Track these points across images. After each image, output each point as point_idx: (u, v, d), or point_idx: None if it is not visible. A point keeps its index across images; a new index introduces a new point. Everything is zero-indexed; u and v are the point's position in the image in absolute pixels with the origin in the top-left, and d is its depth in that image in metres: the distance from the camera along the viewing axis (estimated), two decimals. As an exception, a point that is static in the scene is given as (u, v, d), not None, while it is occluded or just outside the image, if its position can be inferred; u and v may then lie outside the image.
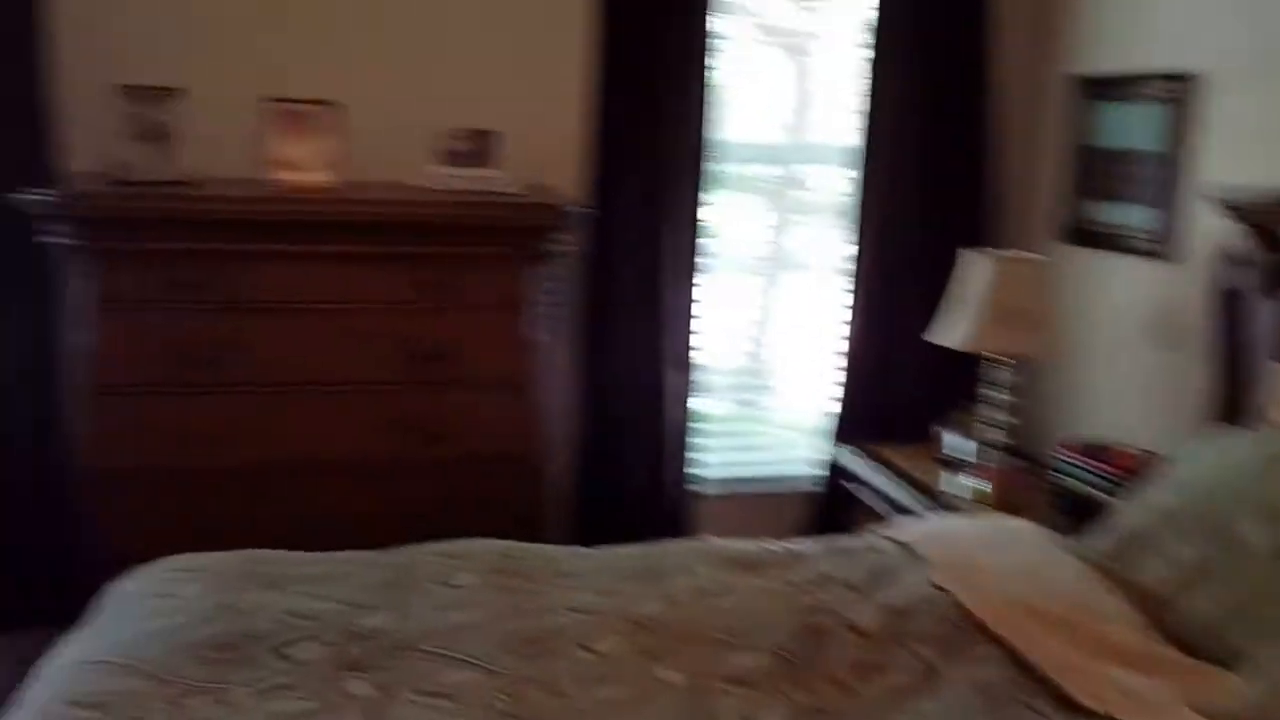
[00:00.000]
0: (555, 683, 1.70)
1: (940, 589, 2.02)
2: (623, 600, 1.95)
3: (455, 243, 2.60)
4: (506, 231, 2.63)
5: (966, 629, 1.91)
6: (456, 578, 1.98)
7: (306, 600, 1.85)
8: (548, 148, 2.90)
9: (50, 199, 2.36)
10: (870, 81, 3.07)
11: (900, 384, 3.17)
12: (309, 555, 2.04)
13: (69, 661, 1.70)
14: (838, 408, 3.22)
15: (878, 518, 2.86)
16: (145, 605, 1.83)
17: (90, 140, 2.60)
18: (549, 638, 1.81)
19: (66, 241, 2.41)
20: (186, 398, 2.50)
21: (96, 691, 1.58)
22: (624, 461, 3.04)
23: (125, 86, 2.51)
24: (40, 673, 1.70)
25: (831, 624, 1.92)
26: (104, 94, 2.51)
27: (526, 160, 2.80)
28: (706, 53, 2.93)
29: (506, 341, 2.66)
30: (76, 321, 2.46)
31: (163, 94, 2.54)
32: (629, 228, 2.96)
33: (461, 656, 1.74)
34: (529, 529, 2.49)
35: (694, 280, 3.05)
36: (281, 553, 2.03)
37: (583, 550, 2.19)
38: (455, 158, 2.73)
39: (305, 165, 2.67)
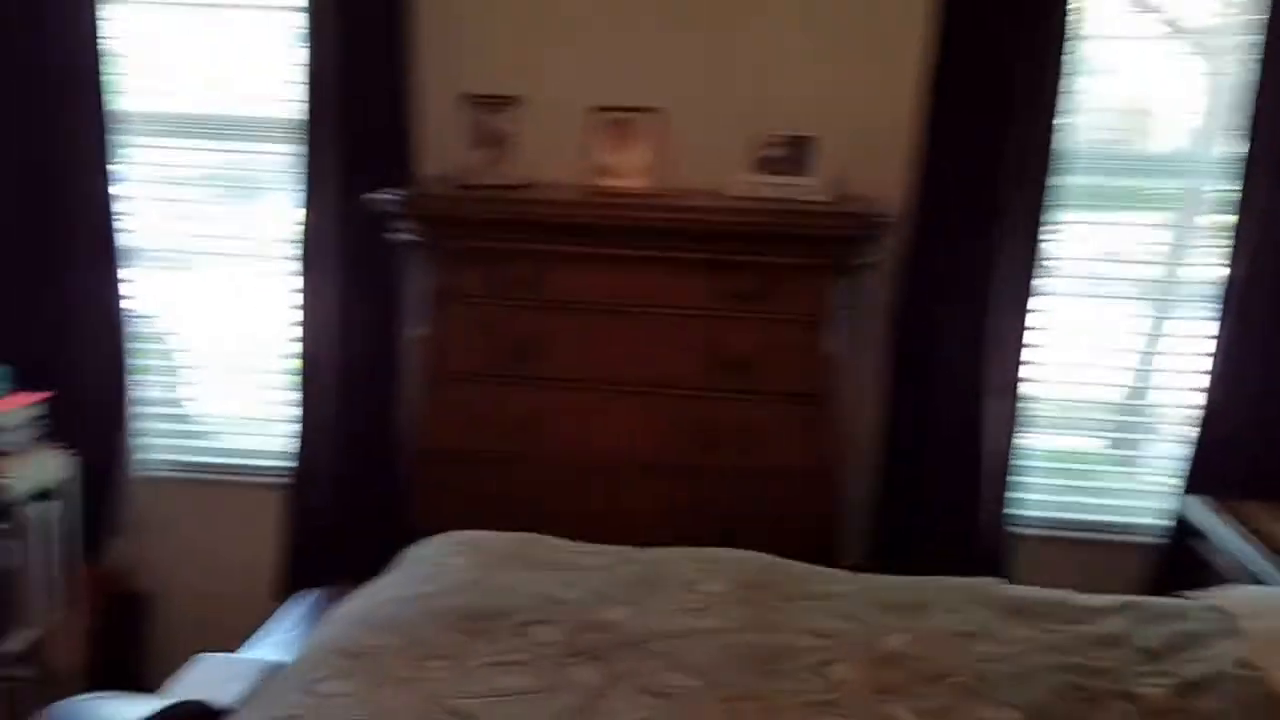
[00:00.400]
0: (776, 703, 1.69)
1: (1254, 667, 1.78)
2: (871, 630, 1.89)
3: (762, 251, 2.62)
4: (814, 241, 2.62)
5: (1275, 716, 1.67)
6: (704, 584, 2.02)
7: (557, 586, 1.97)
8: (870, 154, 2.85)
9: (396, 199, 2.67)
10: (1260, 78, 2.74)
11: (1275, 431, 2.80)
12: (573, 544, 2.16)
13: (346, 614, 1.92)
14: (1193, 453, 2.90)
15: (1228, 581, 2.55)
16: (418, 572, 2.03)
17: (442, 145, 2.90)
18: (782, 657, 1.80)
19: (410, 239, 2.72)
20: (505, 388, 2.71)
21: (356, 643, 1.78)
22: (933, 492, 2.90)
23: (469, 95, 2.79)
24: (323, 622, 1.94)
25: (1106, 688, 1.75)
26: (454, 102, 2.81)
27: (846, 167, 2.77)
28: (1064, 50, 2.75)
29: (808, 354, 2.65)
30: (415, 313, 2.77)
31: (501, 102, 2.79)
32: (955, 242, 2.83)
33: (688, 661, 1.77)
34: (819, 549, 2.46)
35: (1029, 303, 2.87)
36: (549, 539, 2.17)
37: (845, 574, 2.14)
38: (770, 164, 2.76)
39: (626, 171, 2.81)
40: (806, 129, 2.75)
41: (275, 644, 2.17)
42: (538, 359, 2.69)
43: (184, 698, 1.81)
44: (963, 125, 2.80)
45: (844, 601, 2.00)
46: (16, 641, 2.70)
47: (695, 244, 2.64)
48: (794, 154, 2.77)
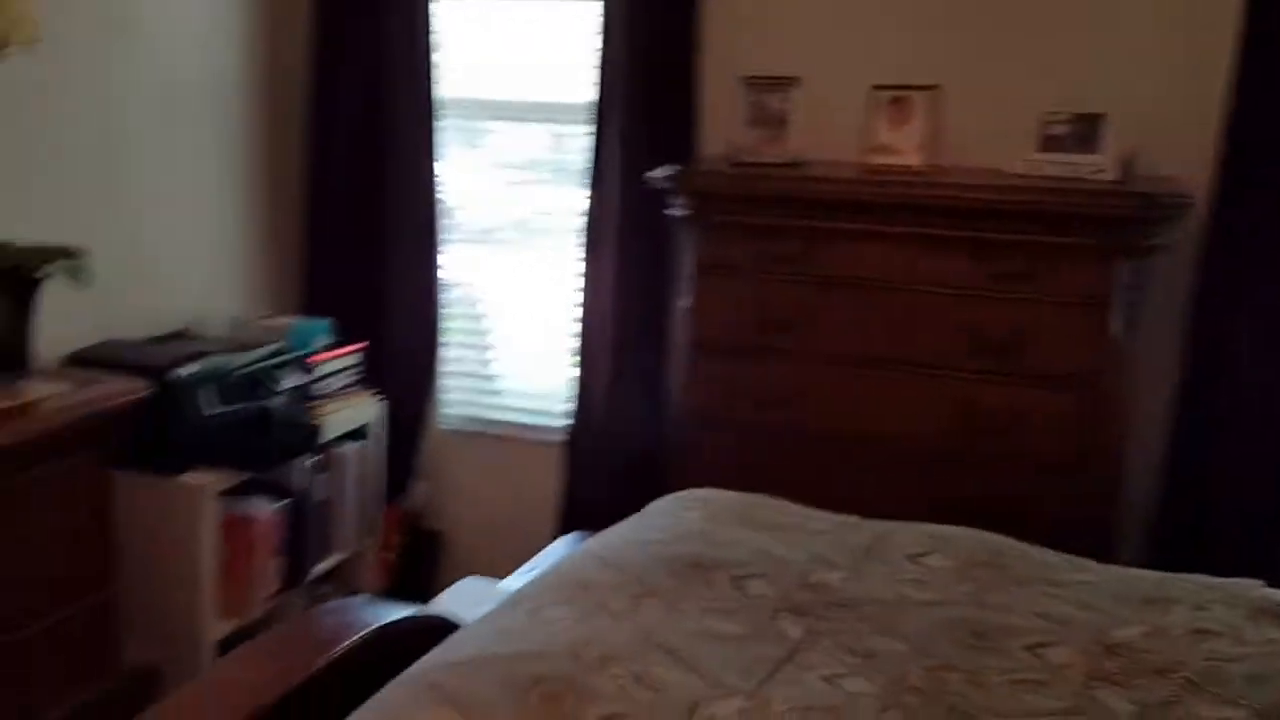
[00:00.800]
0: (983, 676, 1.67)
1: None
2: (1103, 619, 1.82)
3: (1038, 231, 2.55)
4: (1100, 222, 2.51)
5: None
6: (930, 558, 2.01)
7: (779, 546, 2.03)
8: (1169, 131, 2.70)
9: (670, 176, 2.82)
10: None
11: None
12: (803, 509, 2.21)
13: (583, 551, 2.08)
14: None
15: None
16: (653, 521, 2.16)
17: (725, 126, 3.01)
18: (999, 635, 1.77)
19: (682, 214, 2.86)
20: (765, 360, 2.80)
21: (583, 576, 1.92)
22: (1227, 492, 2.70)
23: (748, 77, 2.90)
24: (564, 557, 2.12)
25: (1362, 706, 1.61)
26: (735, 84, 2.93)
27: (1139, 145, 2.64)
28: None
29: (1084, 340, 2.55)
30: (683, 285, 2.91)
31: (780, 83, 2.89)
32: (1267, 223, 2.63)
33: (898, 628, 1.79)
34: (1088, 546, 2.38)
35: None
36: (781, 502, 2.23)
37: (1092, 564, 2.07)
38: (1055, 142, 2.68)
39: (903, 149, 2.82)
40: (1095, 105, 2.65)
41: (530, 575, 2.37)
42: (799, 333, 2.76)
43: (434, 611, 2.04)
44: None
45: (1081, 590, 1.94)
46: (326, 564, 3.10)
47: (967, 222, 2.61)
48: (1081, 131, 2.67)
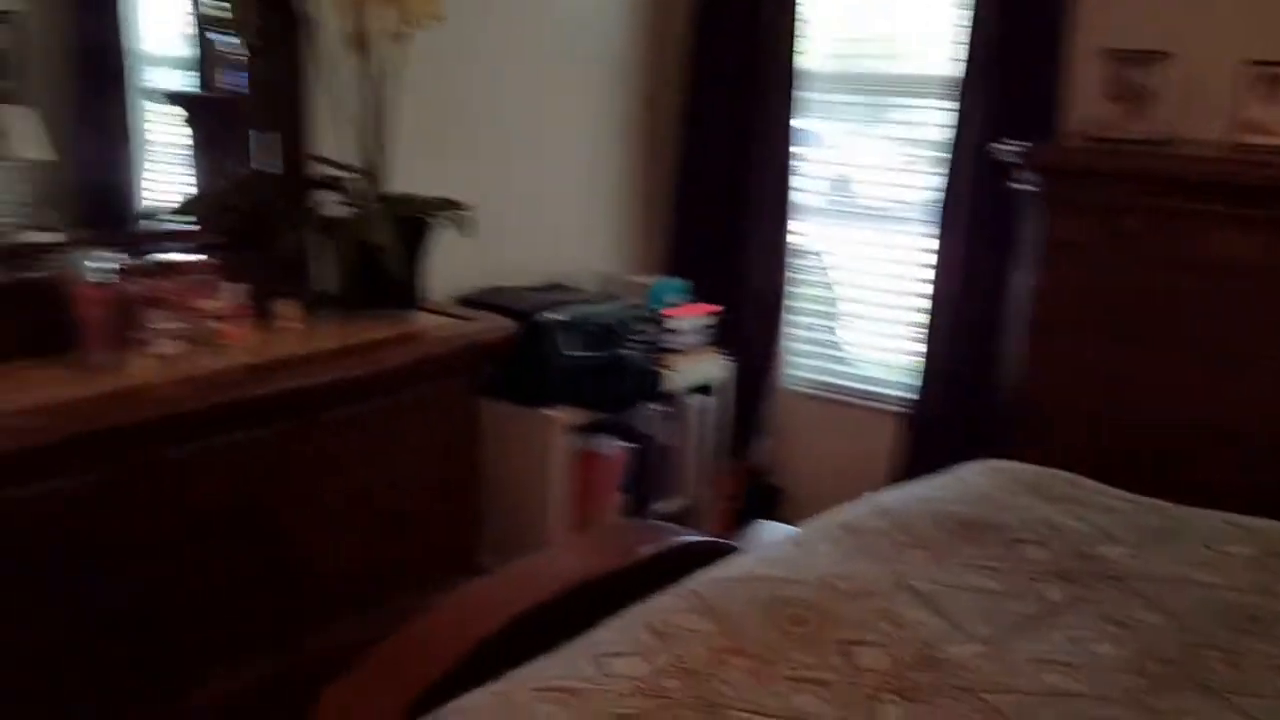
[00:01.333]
0: (1244, 659, 1.69)
1: None
2: (1399, 624, 1.79)
3: None
4: None
5: None
6: (1226, 544, 2.02)
7: (1065, 517, 2.11)
8: None
9: (1017, 150, 2.90)
10: None
11: None
12: (1103, 487, 2.25)
13: (869, 501, 2.28)
14: None
15: None
16: (943, 481, 2.29)
17: (1092, 101, 3.04)
18: (1275, 622, 1.79)
19: (1032, 190, 2.94)
20: (1110, 343, 2.82)
21: (857, 522, 2.12)
22: None
23: (1109, 50, 2.91)
24: (851, 506, 2.33)
25: None
26: (1097, 57, 2.95)
27: None
28: None
29: None
30: (1027, 263, 2.98)
31: (1145, 57, 2.88)
32: None
33: (1164, 604, 1.84)
34: None
35: None
36: (1080, 478, 2.29)
37: None
38: None
39: (1276, 128, 2.73)
40: None
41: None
42: (1150, 318, 2.76)
43: (730, 541, 2.33)
44: None
45: (1390, 593, 1.89)
46: (667, 506, 3.47)
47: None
48: None
